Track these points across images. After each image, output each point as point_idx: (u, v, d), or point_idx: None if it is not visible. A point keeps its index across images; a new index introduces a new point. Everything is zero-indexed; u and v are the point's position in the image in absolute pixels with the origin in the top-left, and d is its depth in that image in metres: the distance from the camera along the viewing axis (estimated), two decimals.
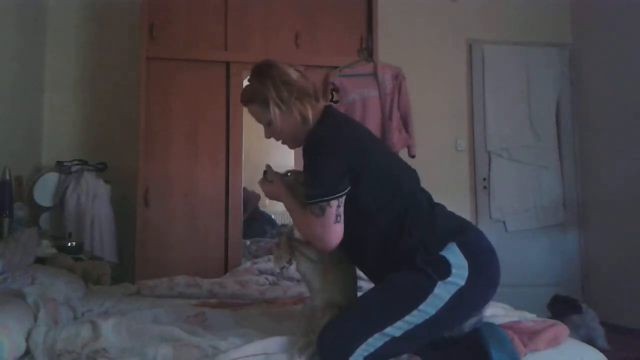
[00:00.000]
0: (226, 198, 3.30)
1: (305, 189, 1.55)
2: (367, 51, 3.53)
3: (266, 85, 1.61)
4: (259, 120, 1.68)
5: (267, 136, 1.70)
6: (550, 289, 3.87)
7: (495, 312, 1.82)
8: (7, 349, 1.35)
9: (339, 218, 1.48)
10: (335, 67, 3.47)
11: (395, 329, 1.42)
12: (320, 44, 3.49)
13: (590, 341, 2.61)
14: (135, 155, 3.23)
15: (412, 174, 1.66)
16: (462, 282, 1.43)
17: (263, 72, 1.64)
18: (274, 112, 1.61)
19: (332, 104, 1.70)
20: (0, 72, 2.99)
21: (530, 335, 1.57)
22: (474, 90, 4.28)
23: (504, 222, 4.18)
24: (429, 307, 1.42)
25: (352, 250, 1.61)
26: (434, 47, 4.22)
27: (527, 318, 1.78)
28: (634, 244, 3.73)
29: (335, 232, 1.49)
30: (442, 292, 1.42)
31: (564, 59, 4.39)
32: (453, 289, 1.42)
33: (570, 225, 4.28)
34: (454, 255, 1.45)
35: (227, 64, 3.37)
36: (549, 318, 1.83)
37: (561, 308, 3.25)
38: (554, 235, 4.23)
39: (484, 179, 4.19)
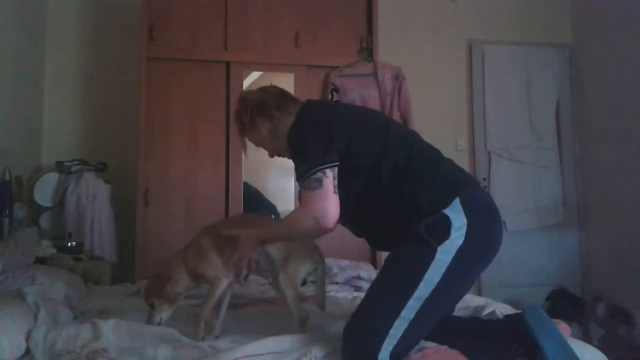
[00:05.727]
0: (226, 198, 3.30)
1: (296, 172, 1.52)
2: (367, 51, 3.53)
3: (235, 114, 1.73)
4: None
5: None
6: (551, 289, 3.88)
7: (496, 309, 1.83)
8: (7, 349, 1.35)
9: (335, 189, 1.46)
10: (335, 67, 3.47)
11: (409, 310, 1.39)
12: (320, 44, 3.49)
13: None
14: (135, 155, 3.23)
15: (409, 131, 1.68)
16: (460, 241, 1.42)
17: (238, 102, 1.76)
18: (239, 135, 1.74)
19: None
20: (0, 72, 2.99)
21: None
22: (474, 90, 4.27)
23: (504, 222, 4.16)
24: (434, 275, 1.40)
25: (360, 222, 1.62)
26: (434, 47, 4.21)
27: None
28: (634, 244, 3.73)
29: (336, 203, 1.45)
30: (443, 256, 1.41)
31: (564, 59, 4.38)
32: (453, 250, 1.41)
33: (570, 225, 4.27)
34: (455, 212, 1.44)
35: (227, 64, 3.37)
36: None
37: (563, 306, 2.98)
38: (554, 235, 4.23)
39: (484, 179, 4.19)
